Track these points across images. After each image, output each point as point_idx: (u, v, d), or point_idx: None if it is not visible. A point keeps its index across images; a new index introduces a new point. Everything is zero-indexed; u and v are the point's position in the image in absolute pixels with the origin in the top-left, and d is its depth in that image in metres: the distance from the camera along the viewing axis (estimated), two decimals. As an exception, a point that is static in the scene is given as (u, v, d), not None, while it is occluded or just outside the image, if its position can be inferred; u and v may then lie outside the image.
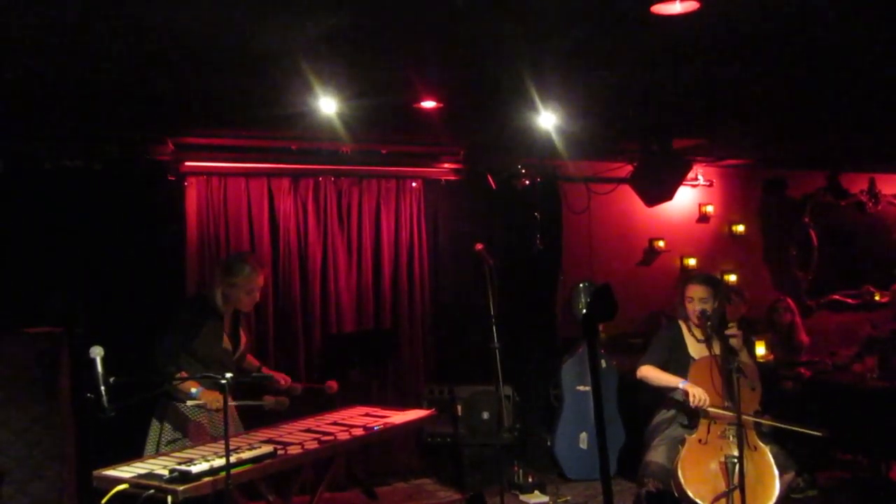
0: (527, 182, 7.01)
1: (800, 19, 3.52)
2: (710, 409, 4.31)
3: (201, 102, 4.88)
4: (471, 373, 6.36)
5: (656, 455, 4.43)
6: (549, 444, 6.66)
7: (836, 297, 8.76)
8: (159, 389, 4.13)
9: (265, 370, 4.71)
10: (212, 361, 4.23)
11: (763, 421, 4.40)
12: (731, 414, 4.25)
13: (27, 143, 5.53)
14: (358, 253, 6.60)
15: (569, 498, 6.09)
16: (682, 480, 4.12)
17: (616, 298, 4.67)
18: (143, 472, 3.47)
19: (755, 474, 4.14)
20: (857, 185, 8.95)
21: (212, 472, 3.40)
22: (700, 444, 4.26)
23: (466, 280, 6.51)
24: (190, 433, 4.29)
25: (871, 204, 9.00)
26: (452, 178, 6.91)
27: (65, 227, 5.52)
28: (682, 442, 4.30)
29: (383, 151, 6.56)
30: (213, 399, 4.03)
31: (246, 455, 3.66)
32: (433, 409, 5.35)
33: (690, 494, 4.08)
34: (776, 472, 4.18)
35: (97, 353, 3.24)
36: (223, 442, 3.34)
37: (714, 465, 4.18)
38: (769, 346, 6.72)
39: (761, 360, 5.86)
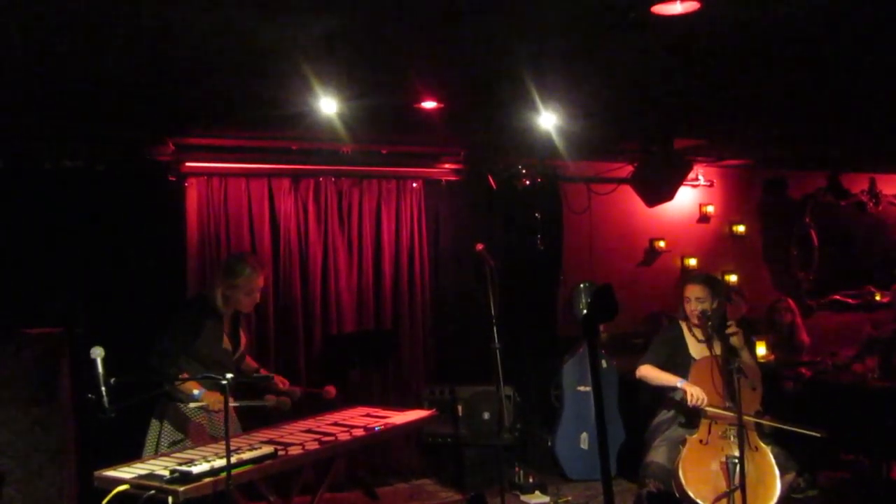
0: (527, 182, 7.01)
1: (800, 19, 3.52)
2: (709, 409, 4.31)
3: (202, 103, 4.88)
4: (471, 373, 6.36)
5: (657, 455, 4.43)
6: (549, 444, 6.66)
7: (837, 297, 8.76)
8: (160, 390, 4.13)
9: (263, 372, 4.71)
10: (212, 362, 4.22)
11: (763, 421, 4.40)
12: (729, 414, 4.25)
13: (27, 143, 5.53)
14: (358, 253, 6.60)
15: (569, 498, 6.09)
16: (682, 481, 4.12)
17: (616, 299, 4.65)
18: (143, 472, 3.47)
19: (756, 474, 4.14)
20: (857, 185, 8.95)
21: (212, 472, 3.40)
22: (701, 444, 4.26)
23: (467, 280, 6.51)
24: (190, 433, 4.29)
25: (871, 204, 9.01)
26: (453, 178, 6.91)
27: (65, 227, 5.52)
28: (683, 442, 4.30)
29: (384, 152, 6.56)
30: (216, 400, 4.01)
31: (247, 455, 3.66)
32: (434, 410, 5.35)
33: (691, 495, 4.08)
34: (777, 472, 4.18)
35: (98, 353, 3.24)
36: (224, 442, 3.34)
37: (715, 466, 4.18)
38: (770, 347, 6.72)
39: (762, 361, 5.86)
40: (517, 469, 6.27)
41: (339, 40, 3.62)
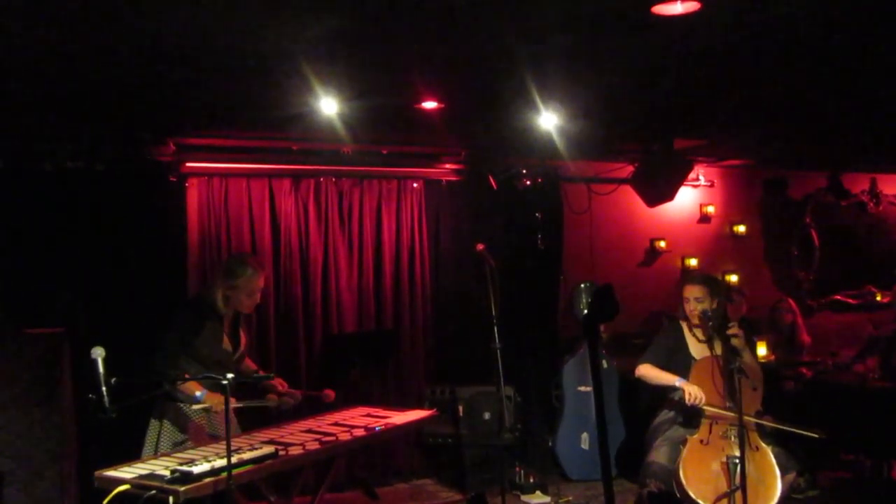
0: (528, 182, 7.01)
1: (801, 19, 3.52)
2: (707, 408, 4.31)
3: (202, 103, 4.88)
4: (472, 373, 6.36)
5: (658, 455, 4.43)
6: (550, 444, 6.66)
7: (838, 297, 8.76)
8: (161, 390, 4.13)
9: (262, 373, 4.71)
10: (212, 362, 4.22)
11: (762, 422, 4.39)
12: (727, 413, 4.25)
13: (28, 143, 5.53)
14: (359, 253, 6.60)
15: (570, 498, 6.09)
16: (683, 481, 4.12)
17: (617, 299, 4.68)
18: (144, 472, 3.47)
19: (757, 475, 4.14)
20: (858, 185, 8.96)
21: (213, 472, 3.40)
22: (702, 444, 4.26)
23: (467, 280, 6.51)
24: (190, 433, 4.29)
25: (872, 204, 9.01)
26: (453, 178, 6.91)
27: (66, 227, 5.52)
28: (684, 442, 4.30)
29: (384, 152, 6.56)
30: (219, 402, 4.00)
31: (247, 455, 3.66)
32: (434, 410, 5.35)
33: (692, 495, 4.08)
34: (778, 472, 4.18)
35: (98, 353, 3.24)
36: (224, 442, 3.34)
37: (716, 466, 4.17)
38: (770, 347, 6.73)
39: (763, 361, 5.86)
40: (518, 469, 6.27)
41: (340, 40, 3.62)
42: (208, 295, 4.43)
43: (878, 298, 8.65)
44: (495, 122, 5.70)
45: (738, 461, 4.01)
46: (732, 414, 4.18)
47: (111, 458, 3.71)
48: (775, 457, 4.24)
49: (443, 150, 6.81)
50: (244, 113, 5.13)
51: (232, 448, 3.40)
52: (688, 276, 4.94)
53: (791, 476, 4.35)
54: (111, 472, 3.51)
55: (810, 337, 7.19)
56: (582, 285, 7.08)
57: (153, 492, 3.30)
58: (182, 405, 4.29)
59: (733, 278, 7.98)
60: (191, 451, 3.86)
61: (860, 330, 7.57)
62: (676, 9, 3.27)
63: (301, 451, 3.93)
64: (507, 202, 6.94)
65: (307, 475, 4.45)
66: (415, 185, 6.79)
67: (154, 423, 4.33)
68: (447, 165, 6.88)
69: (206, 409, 4.20)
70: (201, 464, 3.45)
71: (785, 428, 4.40)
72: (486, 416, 6.32)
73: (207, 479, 3.37)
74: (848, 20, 3.57)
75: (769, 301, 7.43)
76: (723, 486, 4.10)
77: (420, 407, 5.98)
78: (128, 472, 3.49)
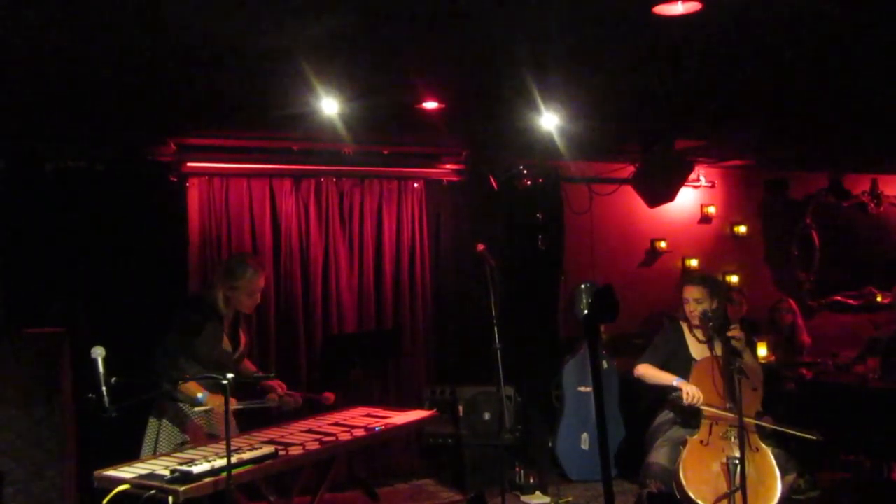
0: (528, 183, 7.01)
1: (802, 19, 3.51)
2: (705, 408, 4.31)
3: (203, 103, 4.88)
4: (472, 373, 6.36)
5: (658, 456, 4.42)
6: (550, 444, 6.66)
7: (838, 298, 8.75)
8: (161, 390, 4.13)
9: (262, 374, 4.71)
10: (211, 363, 4.21)
11: (760, 423, 4.39)
12: (726, 414, 4.25)
13: (29, 143, 5.53)
14: (360, 253, 6.60)
15: (570, 499, 6.08)
16: (683, 482, 4.11)
17: (618, 299, 4.67)
18: (144, 472, 3.47)
19: (757, 475, 4.14)
20: (859, 186, 8.95)
21: (213, 472, 3.40)
22: (702, 445, 4.26)
23: (468, 281, 6.51)
24: (189, 432, 4.29)
25: (873, 205, 9.00)
26: (454, 178, 6.91)
27: (66, 227, 5.52)
28: (684, 443, 4.29)
29: (385, 152, 6.56)
30: (221, 404, 3.98)
31: (247, 455, 3.66)
32: (434, 410, 5.36)
33: (692, 496, 4.07)
34: (778, 473, 4.18)
35: (99, 353, 3.24)
36: (224, 442, 3.34)
37: (716, 467, 4.17)
38: (771, 347, 6.72)
39: (763, 361, 5.85)
40: (518, 469, 6.27)
41: (341, 40, 3.62)
42: (209, 295, 4.43)
43: (879, 299, 8.65)
44: (496, 122, 5.70)
45: (738, 462, 4.00)
46: (732, 415, 4.18)
47: (111, 458, 3.71)
48: (775, 458, 4.24)
49: (443, 151, 6.82)
50: (245, 113, 5.14)
51: (232, 448, 3.40)
52: (687, 276, 4.94)
53: (791, 477, 4.34)
54: (111, 472, 3.50)
55: (810, 338, 7.19)
56: (582, 285, 7.08)
57: (153, 492, 3.29)
58: (182, 405, 4.28)
59: (734, 279, 7.98)
60: (190, 451, 3.85)
61: (860, 331, 7.57)
62: (677, 9, 3.27)
63: (301, 451, 3.93)
64: (508, 202, 6.94)
65: (307, 475, 4.44)
66: (415, 185, 6.79)
67: (153, 423, 4.32)
68: (448, 165, 6.88)
69: (206, 411, 4.20)
70: (201, 464, 3.45)
71: (782, 429, 4.40)
72: (486, 416, 6.32)
73: (207, 479, 3.37)
74: (848, 20, 3.57)
75: (769, 301, 7.43)
76: (723, 487, 4.10)
77: (420, 407, 5.99)
78: (127, 472, 3.48)
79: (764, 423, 4.39)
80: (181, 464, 3.48)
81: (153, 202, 5.81)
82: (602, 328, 6.69)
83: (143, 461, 3.73)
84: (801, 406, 6.13)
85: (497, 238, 6.59)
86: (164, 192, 5.88)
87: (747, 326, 4.99)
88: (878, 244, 8.96)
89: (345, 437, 4.24)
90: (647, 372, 4.63)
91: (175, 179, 5.95)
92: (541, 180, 7.07)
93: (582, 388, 6.63)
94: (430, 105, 4.95)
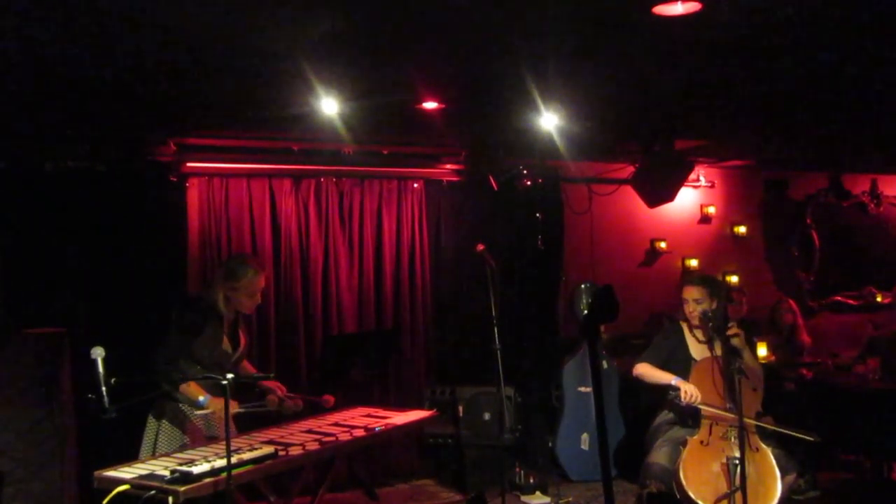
0: (528, 183, 7.01)
1: (802, 20, 3.51)
2: (703, 408, 4.31)
3: (203, 103, 4.88)
4: (472, 374, 6.36)
5: (658, 456, 4.42)
6: (550, 445, 6.65)
7: (838, 298, 8.75)
8: (161, 390, 4.13)
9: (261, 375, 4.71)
10: (211, 364, 4.21)
11: (758, 423, 4.38)
12: (726, 414, 4.25)
13: (29, 143, 5.53)
14: (359, 254, 6.60)
15: (570, 499, 6.08)
16: (683, 482, 4.11)
17: (617, 299, 4.66)
18: (144, 472, 3.48)
19: (757, 476, 4.14)
20: (858, 186, 8.95)
21: (213, 472, 3.40)
22: (702, 445, 4.26)
23: (468, 281, 6.51)
24: (188, 433, 4.29)
25: (872, 205, 9.00)
26: (454, 178, 6.91)
27: (66, 227, 5.52)
28: (684, 443, 4.30)
29: (385, 152, 6.56)
30: (222, 408, 3.99)
31: (247, 456, 3.66)
32: (434, 410, 5.36)
33: (692, 496, 4.08)
34: (778, 473, 4.18)
35: (98, 353, 3.24)
36: (224, 442, 3.34)
37: (716, 467, 4.17)
38: (771, 347, 6.72)
39: (763, 361, 5.85)
40: (518, 469, 6.26)
41: (341, 41, 3.62)
42: (209, 296, 4.42)
43: (879, 299, 8.65)
44: (495, 123, 5.70)
45: (738, 462, 4.01)
46: (732, 415, 4.18)
47: (111, 459, 3.71)
48: (775, 458, 4.24)
49: (443, 151, 6.81)
50: (245, 113, 5.13)
51: (232, 448, 3.40)
52: (687, 277, 4.94)
53: (791, 477, 4.34)
54: (111, 473, 3.51)
55: (811, 338, 7.19)
56: (582, 286, 7.08)
57: (153, 492, 3.30)
58: (182, 405, 4.28)
59: (734, 279, 7.98)
60: (190, 452, 3.86)
61: (860, 331, 7.56)
62: (677, 9, 3.27)
63: (301, 452, 3.93)
64: (508, 202, 6.94)
65: (307, 475, 4.44)
66: (415, 185, 6.79)
67: (152, 423, 4.32)
68: (447, 166, 6.88)
69: (206, 414, 4.20)
70: (201, 464, 3.45)
71: (779, 430, 4.40)
72: (486, 416, 6.32)
73: (207, 480, 3.37)
74: (848, 20, 3.57)
75: (769, 302, 7.42)
76: (723, 487, 4.10)
77: (420, 407, 5.99)
78: (127, 473, 3.49)
79: (763, 424, 4.39)
80: (181, 464, 3.48)
81: (153, 202, 5.81)
82: (602, 328, 6.69)
83: (142, 461, 3.73)
84: (801, 406, 6.13)
85: (497, 238, 6.59)
86: (163, 193, 5.88)
87: (747, 326, 4.98)
88: (878, 244, 8.96)
89: (345, 437, 4.24)
90: (646, 371, 4.64)
91: (175, 179, 5.95)
92: (541, 180, 7.07)
93: (582, 389, 6.63)
94: (430, 105, 4.95)
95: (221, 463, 3.40)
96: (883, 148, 7.40)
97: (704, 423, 4.34)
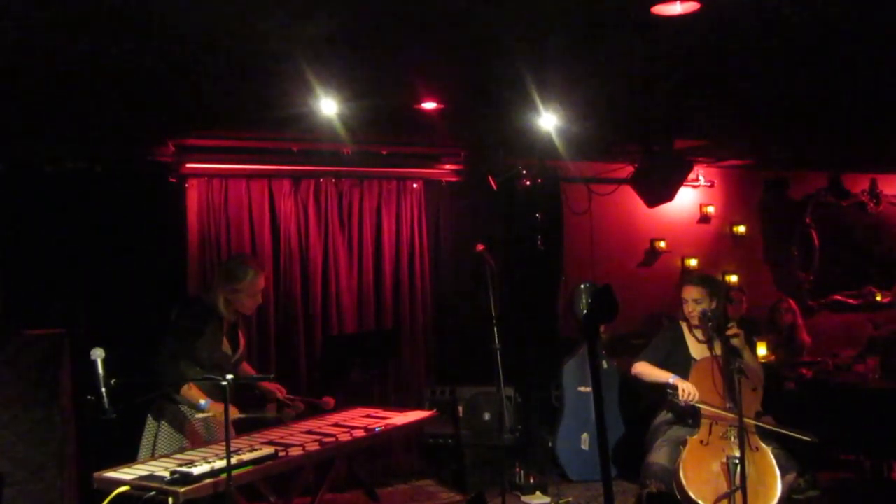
0: (528, 183, 7.01)
1: (801, 19, 3.51)
2: (702, 406, 4.31)
3: (202, 104, 4.88)
4: (472, 374, 6.35)
5: (658, 456, 4.42)
6: (550, 444, 6.65)
7: (838, 297, 8.76)
8: (161, 391, 4.12)
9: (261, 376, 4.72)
10: (211, 365, 4.20)
11: (757, 423, 4.38)
12: (725, 413, 4.25)
13: (28, 145, 5.53)
14: (359, 254, 6.60)
15: (570, 499, 6.08)
16: (683, 481, 4.11)
17: (617, 299, 4.68)
18: (144, 473, 3.47)
19: (757, 475, 4.14)
20: (858, 185, 8.96)
21: (213, 473, 3.40)
22: (702, 445, 4.26)
23: (467, 281, 6.51)
24: (187, 435, 4.28)
25: (872, 204, 9.01)
26: (453, 178, 6.91)
27: (66, 228, 5.52)
28: (684, 443, 4.30)
29: (384, 152, 6.56)
30: (222, 412, 3.98)
31: (247, 457, 3.65)
32: (434, 411, 5.35)
33: (692, 495, 4.08)
34: (778, 472, 4.18)
35: (98, 354, 3.24)
36: (224, 443, 3.33)
37: (716, 466, 4.17)
38: (770, 347, 6.72)
39: (763, 361, 5.85)
40: (518, 469, 6.26)
41: (340, 41, 3.62)
42: (208, 297, 4.41)
43: (879, 299, 8.66)
44: (495, 122, 5.70)
45: (738, 462, 4.01)
46: (731, 415, 4.18)
47: (111, 460, 3.71)
48: (775, 457, 4.24)
49: (443, 151, 6.81)
50: (244, 113, 5.14)
51: (232, 449, 3.39)
52: (687, 276, 4.94)
53: (791, 476, 4.34)
54: (111, 474, 3.50)
55: (810, 337, 7.19)
56: (582, 286, 7.08)
57: (153, 493, 3.29)
58: (181, 406, 4.28)
59: (733, 278, 7.98)
60: (190, 453, 3.85)
61: (860, 330, 7.57)
62: (676, 9, 3.27)
63: (301, 452, 3.92)
64: (507, 202, 6.93)
65: (307, 476, 4.44)
66: (415, 185, 6.79)
67: (151, 424, 4.31)
68: (447, 166, 6.88)
69: (206, 418, 4.19)
70: (201, 465, 3.44)
71: (778, 430, 4.40)
72: (486, 416, 6.32)
73: (207, 481, 3.37)
74: (847, 20, 3.57)
75: (769, 301, 7.43)
76: (723, 487, 4.10)
77: (420, 407, 5.99)
78: (127, 474, 3.48)
79: (762, 424, 4.39)
80: (181, 465, 3.48)
81: (152, 203, 5.81)
82: (602, 328, 6.69)
83: (142, 462, 3.72)
84: (801, 406, 6.13)
85: (496, 238, 6.59)
86: (163, 193, 5.89)
87: (747, 326, 4.98)
88: (878, 244, 8.96)
89: (345, 437, 4.23)
90: (644, 370, 4.64)
91: (174, 180, 5.95)
92: (540, 180, 7.07)
93: (582, 389, 6.63)
94: (430, 105, 4.95)
95: (221, 464, 3.40)
96: (882, 147, 7.40)
97: (704, 422, 4.34)
